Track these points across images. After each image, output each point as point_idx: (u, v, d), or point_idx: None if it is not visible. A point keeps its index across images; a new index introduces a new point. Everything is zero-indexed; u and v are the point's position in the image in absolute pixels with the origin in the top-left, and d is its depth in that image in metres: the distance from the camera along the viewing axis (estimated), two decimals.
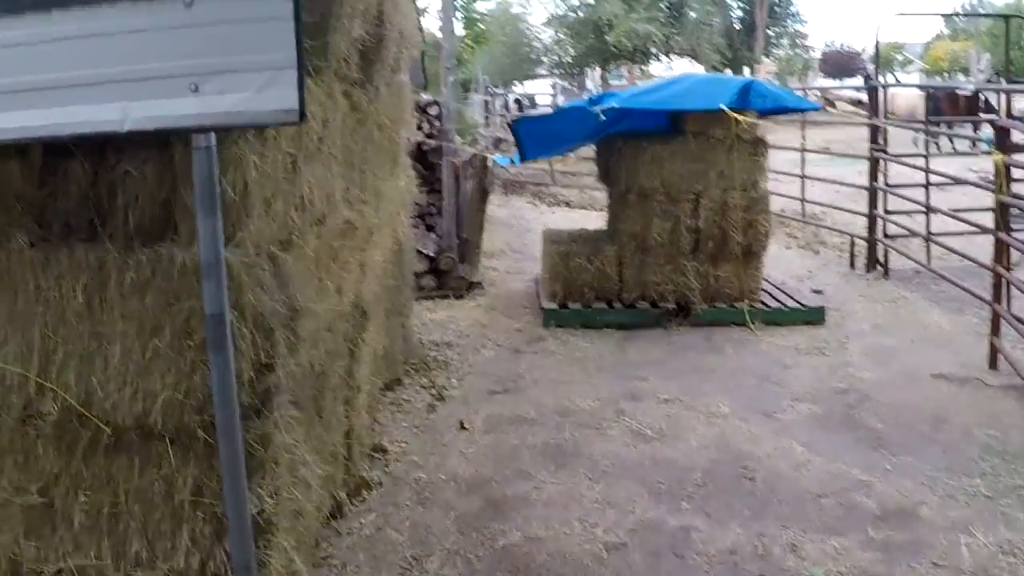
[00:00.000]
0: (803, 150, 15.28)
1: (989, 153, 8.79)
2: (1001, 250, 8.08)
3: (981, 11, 60.19)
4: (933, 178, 11.96)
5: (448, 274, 10.82)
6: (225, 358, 3.32)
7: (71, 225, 3.60)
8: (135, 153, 3.52)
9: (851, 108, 31.11)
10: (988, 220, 9.06)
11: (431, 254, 10.68)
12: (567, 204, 19.20)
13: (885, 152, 12.24)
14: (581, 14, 45.41)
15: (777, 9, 48.49)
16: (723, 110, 9.15)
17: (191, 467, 3.63)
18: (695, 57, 44.89)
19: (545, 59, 48.91)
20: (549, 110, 24.55)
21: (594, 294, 9.83)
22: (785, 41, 50.99)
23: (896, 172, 13.18)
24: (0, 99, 3.06)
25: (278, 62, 3.13)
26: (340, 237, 4.95)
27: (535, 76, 49.69)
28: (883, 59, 44.16)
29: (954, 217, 10.49)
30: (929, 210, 11.36)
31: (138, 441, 3.57)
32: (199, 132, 3.20)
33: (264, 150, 3.75)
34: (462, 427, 6.85)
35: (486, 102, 28.43)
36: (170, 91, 3.14)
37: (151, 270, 3.45)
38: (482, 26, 37.58)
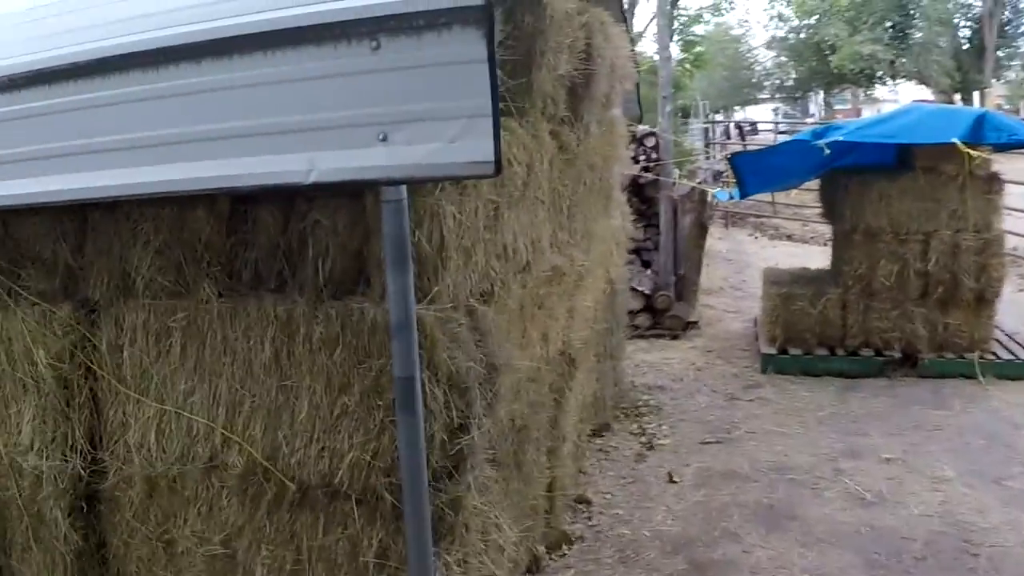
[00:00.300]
0: None
1: None
2: None
3: None
4: None
5: (664, 313, 10.26)
6: (415, 420, 3.00)
7: (260, 275, 3.41)
8: (326, 202, 3.29)
9: None
10: None
11: (647, 292, 10.14)
12: (788, 237, 18.10)
13: None
14: (803, 36, 43.23)
15: (1008, 29, 44.09)
16: (955, 144, 8.13)
17: (377, 528, 3.34)
18: (922, 80, 41.67)
19: (766, 83, 47.05)
20: (771, 137, 23.23)
21: (815, 339, 8.99)
22: (1017, 63, 46.35)
23: None
24: (181, 149, 2.90)
25: (471, 110, 2.78)
26: (546, 284, 4.58)
27: (756, 101, 47.87)
28: None
29: None
30: None
31: (323, 499, 3.32)
32: (388, 184, 2.91)
33: (463, 199, 3.43)
34: (671, 480, 6.31)
35: (706, 129, 27.49)
36: (357, 141, 2.86)
37: (340, 325, 3.20)
38: (700, 49, 36.40)
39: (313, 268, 3.27)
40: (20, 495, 3.56)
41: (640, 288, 9.94)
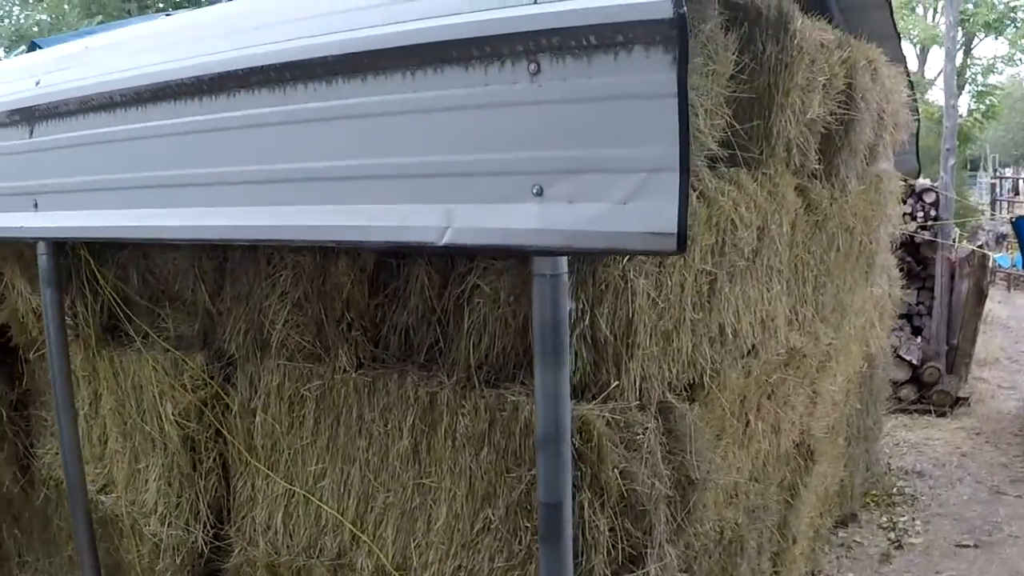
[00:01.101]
0: None
1: None
2: None
3: None
4: None
5: (931, 387, 8.41)
6: (560, 555, 2.09)
7: (410, 346, 2.63)
8: (490, 263, 2.46)
9: None
10: None
11: (914, 362, 8.40)
12: None
13: None
14: None
15: None
16: None
17: None
18: None
19: None
20: None
21: None
22: None
23: None
24: (292, 189, 2.18)
25: (652, 161, 1.84)
26: (780, 369, 3.48)
27: None
28: None
29: None
30: None
31: None
32: (539, 255, 2.02)
33: (663, 271, 2.49)
34: None
35: (993, 185, 23.80)
36: (506, 193, 2.00)
37: (489, 420, 2.35)
38: (993, 99, 31.92)
39: (467, 344, 2.47)
40: (139, 561, 3.04)
41: (907, 357, 8.30)
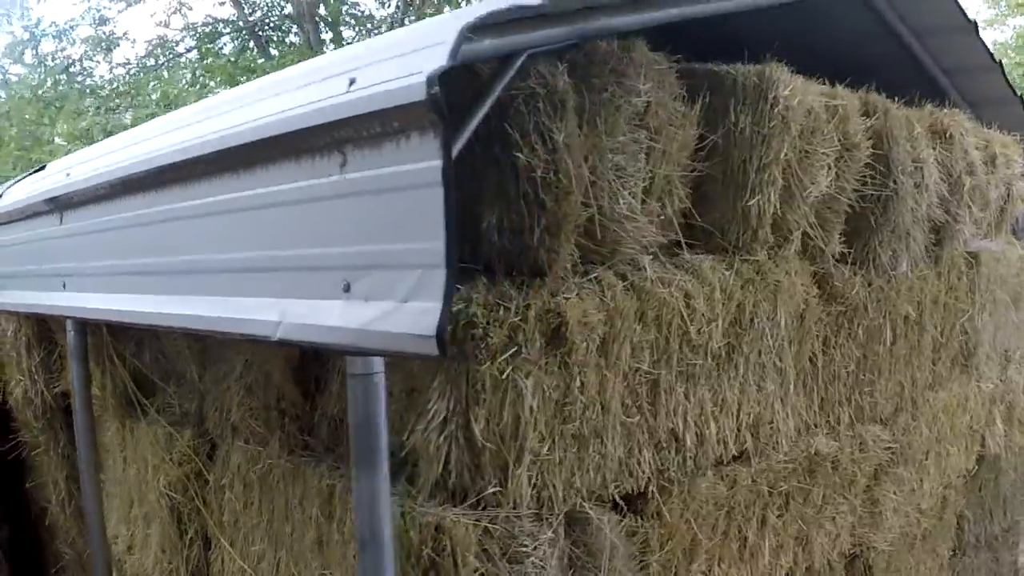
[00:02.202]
0: None
1: None
2: None
3: None
4: None
5: None
6: None
7: (338, 435, 2.40)
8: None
9: None
10: None
11: None
12: None
13: None
14: None
15: None
16: None
17: None
18: None
19: None
20: None
21: None
22: None
23: None
24: (149, 281, 2.10)
25: (424, 255, 1.57)
26: (798, 477, 2.93)
27: None
28: None
29: None
30: None
31: None
32: (348, 354, 1.80)
33: (567, 371, 2.15)
34: None
35: None
36: (323, 288, 1.80)
37: None
38: None
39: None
40: None
41: None
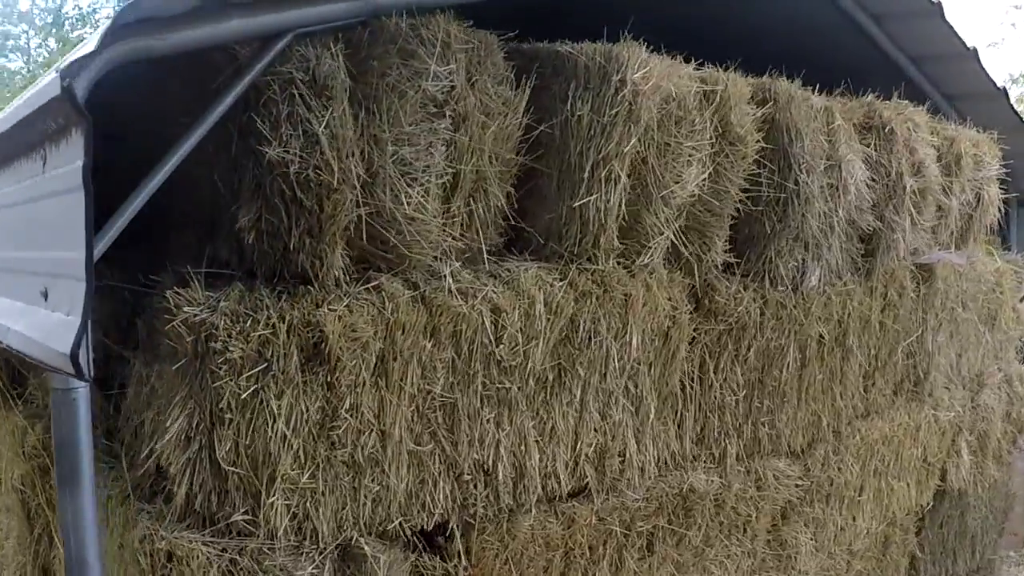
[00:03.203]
0: None
1: None
2: None
3: None
4: None
5: None
6: None
7: None
8: None
9: None
10: None
11: None
12: None
13: None
14: None
15: None
16: None
17: None
18: None
19: None
20: None
21: None
22: None
23: None
24: None
25: (71, 266, 1.60)
26: (667, 515, 2.91)
27: None
28: None
29: None
30: None
31: None
32: (48, 369, 1.82)
33: (335, 393, 2.18)
34: None
35: None
36: (26, 293, 1.85)
37: None
38: None
39: None
40: None
41: None
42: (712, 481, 3.02)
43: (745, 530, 3.25)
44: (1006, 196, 4.54)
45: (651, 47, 2.55)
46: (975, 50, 4.10)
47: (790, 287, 3.09)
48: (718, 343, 2.93)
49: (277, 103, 2.00)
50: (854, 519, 3.77)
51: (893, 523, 4.06)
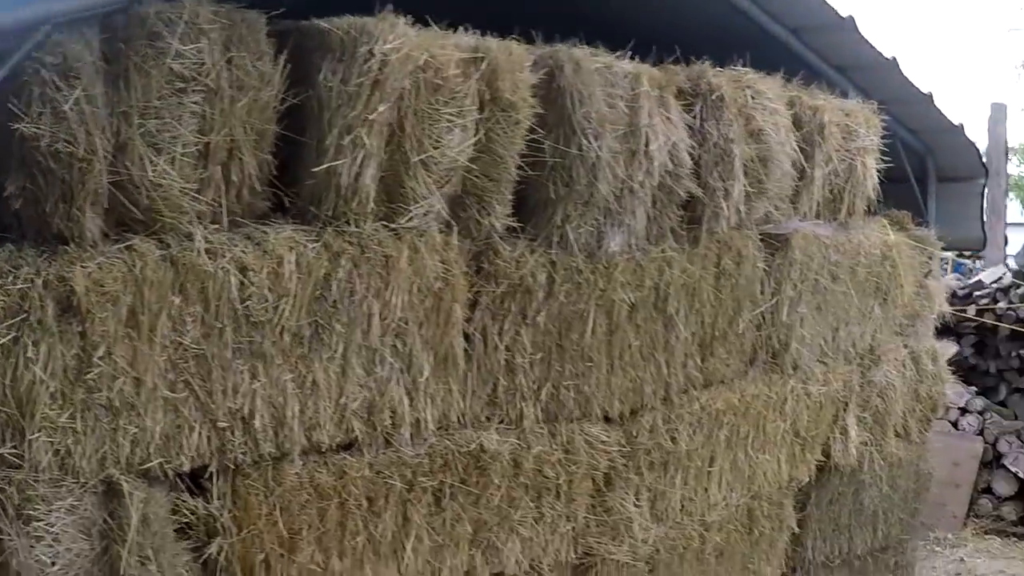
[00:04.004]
0: None
1: None
2: None
3: None
4: None
5: None
6: None
7: None
8: None
9: None
10: None
11: (1020, 474, 8.69)
12: None
13: None
14: None
15: None
16: None
17: None
18: None
19: None
20: None
21: None
22: None
23: None
24: None
25: None
26: (450, 472, 3.81)
27: None
28: None
29: None
30: None
31: None
32: None
33: (89, 340, 3.09)
34: None
35: None
36: None
37: None
38: None
39: None
40: None
41: (1014, 469, 8.77)
42: (507, 442, 3.94)
43: (559, 494, 4.16)
44: (923, 172, 5.54)
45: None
46: (851, 18, 5.05)
47: (585, 253, 4.01)
48: (501, 306, 3.85)
49: (30, 86, 2.97)
50: (706, 490, 4.70)
51: (759, 497, 4.99)
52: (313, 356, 3.45)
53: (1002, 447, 8.94)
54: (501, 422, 4.00)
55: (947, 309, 6.52)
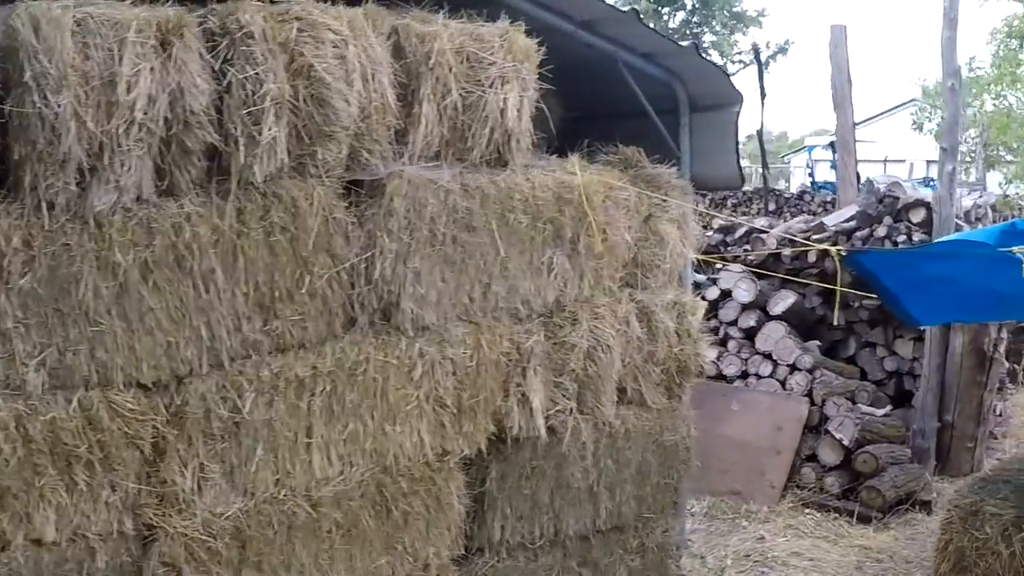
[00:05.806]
0: None
1: None
2: None
3: None
4: None
5: (865, 479, 8.02)
6: None
7: None
8: None
9: None
10: None
11: (845, 443, 8.23)
12: None
13: None
14: None
15: None
16: None
17: None
18: None
19: None
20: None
21: None
22: None
23: None
24: None
25: None
26: None
27: None
28: None
29: None
30: None
31: None
32: None
33: None
34: None
35: None
36: None
37: None
38: None
39: None
40: None
41: (838, 436, 8.29)
42: (13, 408, 3.91)
43: (91, 463, 4.11)
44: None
45: None
46: None
47: (69, 213, 3.98)
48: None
49: None
50: (310, 463, 4.61)
51: (392, 472, 4.84)
52: None
53: (829, 410, 8.38)
54: (7, 388, 3.94)
55: (693, 256, 6.07)
